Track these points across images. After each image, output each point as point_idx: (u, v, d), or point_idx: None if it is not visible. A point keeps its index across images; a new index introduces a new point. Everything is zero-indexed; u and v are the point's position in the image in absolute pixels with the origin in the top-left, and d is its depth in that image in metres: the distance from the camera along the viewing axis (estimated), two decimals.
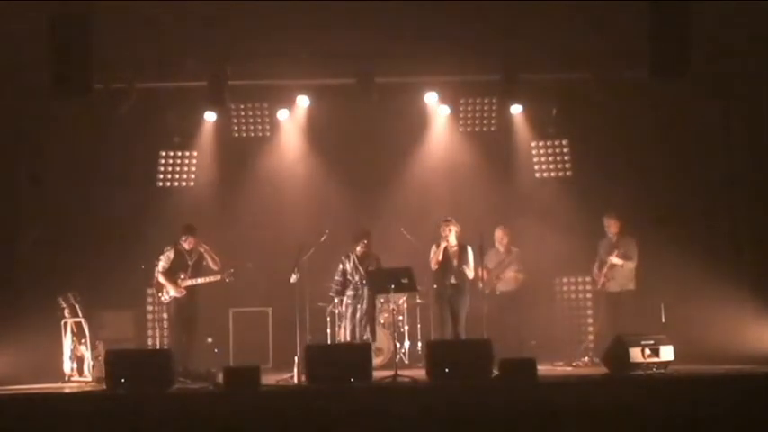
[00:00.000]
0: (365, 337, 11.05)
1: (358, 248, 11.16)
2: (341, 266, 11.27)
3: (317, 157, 13.01)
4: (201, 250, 10.98)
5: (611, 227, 11.53)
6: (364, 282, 11.11)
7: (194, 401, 8.84)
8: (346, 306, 11.28)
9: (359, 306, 11.17)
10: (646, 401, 8.36)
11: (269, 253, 12.26)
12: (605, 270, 11.43)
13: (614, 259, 11.34)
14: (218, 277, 10.98)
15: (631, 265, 11.34)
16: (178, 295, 10.90)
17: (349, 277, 11.24)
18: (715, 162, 11.83)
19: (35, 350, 11.02)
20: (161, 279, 10.91)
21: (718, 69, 11.25)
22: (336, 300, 11.53)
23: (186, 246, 11.02)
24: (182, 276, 10.93)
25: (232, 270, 10.99)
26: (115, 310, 11.80)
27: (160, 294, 11.02)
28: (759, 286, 11.19)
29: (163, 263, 10.98)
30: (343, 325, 11.30)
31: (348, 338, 11.13)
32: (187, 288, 10.93)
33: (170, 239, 11.16)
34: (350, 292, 11.23)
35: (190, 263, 11.02)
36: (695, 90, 11.28)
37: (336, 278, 11.31)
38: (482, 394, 8.68)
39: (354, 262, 11.22)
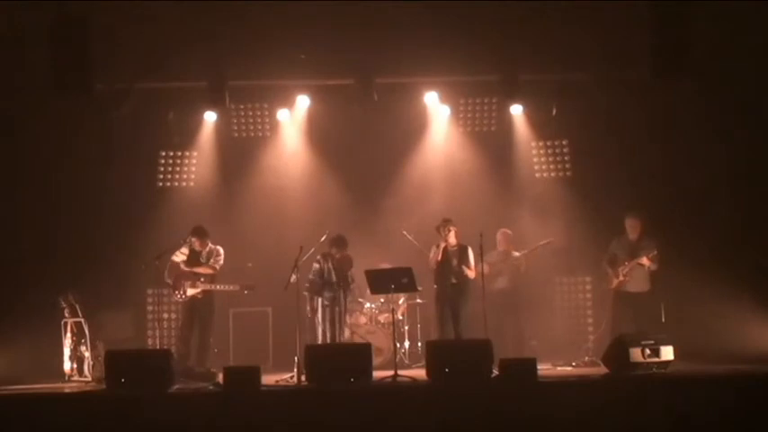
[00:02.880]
0: (339, 339, 11.04)
1: (335, 252, 11.14)
2: (317, 266, 11.17)
3: (318, 157, 13.00)
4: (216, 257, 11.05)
5: (636, 227, 11.43)
6: (342, 284, 11.12)
7: (194, 401, 8.84)
8: (323, 308, 11.19)
9: (336, 309, 11.12)
10: (646, 401, 8.36)
11: (269, 253, 12.25)
12: (626, 270, 11.40)
13: (645, 260, 11.21)
14: (237, 288, 10.99)
15: (655, 267, 11.29)
16: (199, 295, 10.91)
17: (326, 277, 11.19)
18: (715, 162, 11.82)
19: (35, 350, 11.03)
20: (183, 267, 10.93)
21: (718, 69, 11.23)
22: (309, 297, 11.38)
23: (198, 246, 11.03)
24: (202, 279, 10.94)
25: (251, 283, 11.02)
26: (115, 310, 11.78)
27: (177, 292, 10.98)
28: (759, 286, 11.19)
29: (180, 256, 10.98)
30: (321, 328, 11.19)
31: (328, 341, 11.05)
32: (204, 291, 10.94)
33: (170, 240, 11.16)
34: (327, 294, 11.18)
35: (203, 261, 11.02)
36: (695, 90, 11.26)
37: (311, 277, 11.21)
38: (482, 394, 8.68)
39: (332, 264, 11.18)
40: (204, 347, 11.02)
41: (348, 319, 11.99)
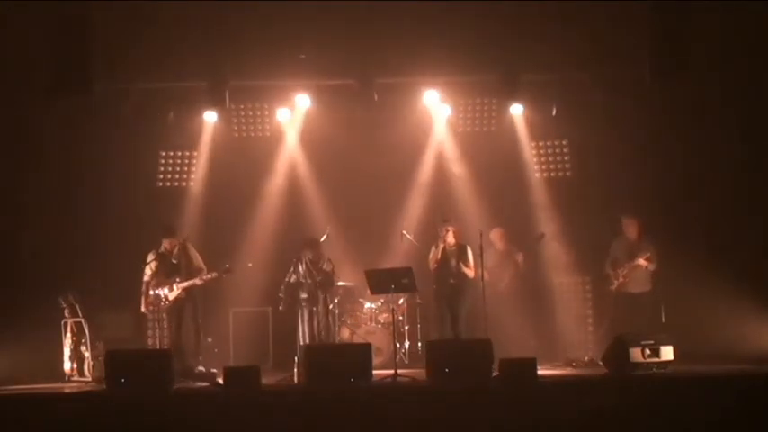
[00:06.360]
0: (319, 338, 10.97)
1: (307, 252, 11.10)
2: (291, 269, 11.10)
3: (317, 156, 12.99)
4: (188, 252, 11.02)
5: (631, 228, 11.42)
6: (318, 284, 11.04)
7: (194, 401, 8.84)
8: (301, 308, 11.12)
9: (314, 309, 11.04)
10: (646, 401, 8.36)
11: (269, 253, 12.25)
12: (625, 271, 11.38)
13: (641, 261, 11.21)
14: (215, 275, 10.93)
15: (653, 267, 11.27)
16: (182, 295, 10.89)
17: (302, 280, 11.11)
18: (715, 162, 11.82)
19: (35, 350, 11.03)
20: (150, 290, 10.90)
21: (718, 69, 11.23)
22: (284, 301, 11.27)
23: (167, 246, 11.00)
24: (177, 279, 10.91)
25: (227, 265, 10.96)
26: (115, 310, 11.77)
27: (159, 301, 10.92)
28: (759, 286, 11.19)
29: (147, 271, 10.96)
30: (300, 328, 11.12)
31: (308, 341, 10.98)
32: (184, 289, 10.92)
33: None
34: (304, 295, 11.10)
35: (175, 261, 10.98)
36: (695, 90, 11.27)
37: (285, 280, 11.12)
38: (482, 394, 8.68)
39: (307, 265, 11.10)
40: (199, 345, 11.00)
41: (348, 320, 12.00)
